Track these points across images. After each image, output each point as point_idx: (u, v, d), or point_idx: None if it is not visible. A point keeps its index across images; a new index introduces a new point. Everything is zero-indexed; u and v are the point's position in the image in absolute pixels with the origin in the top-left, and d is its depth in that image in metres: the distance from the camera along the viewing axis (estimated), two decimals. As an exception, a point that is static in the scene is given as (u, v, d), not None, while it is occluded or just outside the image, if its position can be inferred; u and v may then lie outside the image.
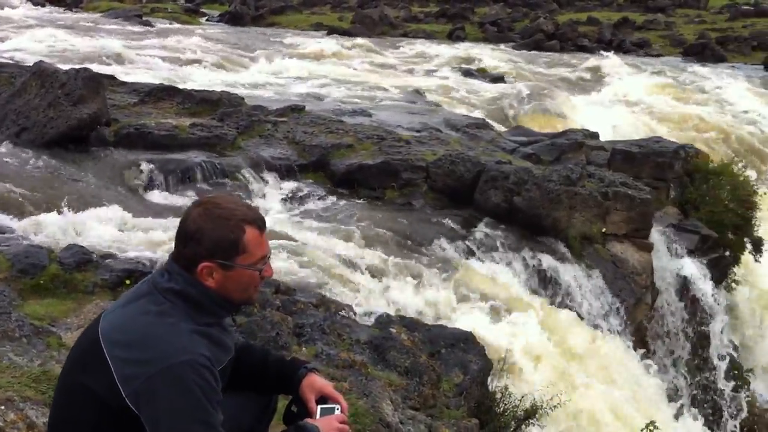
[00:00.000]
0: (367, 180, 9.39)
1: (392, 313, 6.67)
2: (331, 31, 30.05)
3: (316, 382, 3.10)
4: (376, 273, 7.35)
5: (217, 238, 2.77)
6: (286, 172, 9.21)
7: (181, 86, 12.39)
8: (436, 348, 6.09)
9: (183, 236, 2.81)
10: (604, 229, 9.54)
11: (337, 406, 3.06)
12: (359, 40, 25.34)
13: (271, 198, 8.67)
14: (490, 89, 16.79)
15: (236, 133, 9.79)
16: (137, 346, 2.64)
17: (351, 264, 7.34)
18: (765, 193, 14.07)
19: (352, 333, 5.92)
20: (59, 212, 7.00)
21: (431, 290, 7.40)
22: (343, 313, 6.30)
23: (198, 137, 9.44)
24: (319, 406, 3.03)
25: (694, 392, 10.33)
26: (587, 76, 21.71)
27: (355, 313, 6.44)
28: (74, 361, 2.80)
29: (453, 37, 30.11)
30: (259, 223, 2.86)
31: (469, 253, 8.37)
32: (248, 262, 2.83)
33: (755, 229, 12.44)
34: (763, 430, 11.76)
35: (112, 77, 12.30)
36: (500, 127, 13.94)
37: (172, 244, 2.89)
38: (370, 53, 21.58)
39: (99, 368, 2.64)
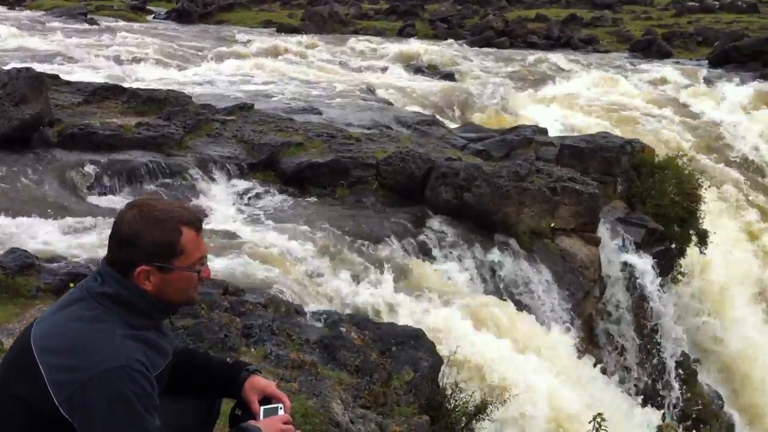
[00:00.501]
0: (317, 178, 9.36)
1: (343, 311, 6.65)
2: (281, 28, 29.87)
3: (259, 383, 3.07)
4: (326, 272, 7.32)
5: (154, 241, 2.72)
6: (235, 171, 9.12)
7: (126, 85, 12.20)
8: (386, 346, 6.09)
9: (118, 240, 2.75)
10: (552, 224, 9.64)
11: (281, 406, 3.04)
12: (309, 38, 25.25)
13: (219, 197, 8.58)
14: (440, 86, 16.83)
15: (183, 132, 9.67)
16: (69, 353, 2.58)
17: (301, 263, 7.31)
18: (710, 186, 14.38)
19: (302, 333, 5.89)
20: (0, 216, 6.84)
21: (382, 288, 7.39)
22: (293, 312, 6.27)
23: (144, 137, 9.30)
24: (263, 407, 3.02)
25: (642, 383, 10.49)
26: (537, 72, 21.90)
27: (305, 313, 6.41)
28: (5, 369, 2.73)
29: (403, 34, 30.15)
30: (196, 223, 2.82)
31: (420, 249, 8.39)
32: (186, 264, 2.78)
33: (700, 221, 12.67)
34: (710, 419, 12.00)
35: (55, 76, 12.06)
36: (450, 124, 13.99)
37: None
38: (320, 50, 21.50)
39: (31, 376, 2.58)
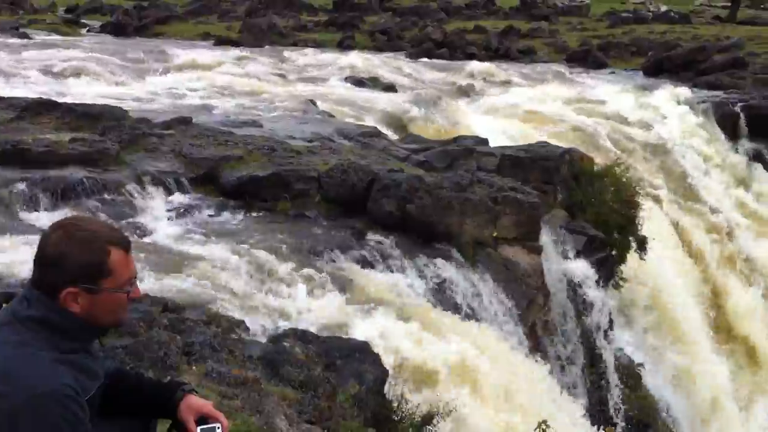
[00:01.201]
0: (258, 192, 9.25)
1: (286, 326, 6.58)
2: (219, 41, 29.60)
3: (195, 402, 3.01)
4: (269, 286, 7.23)
5: (81, 262, 2.65)
6: (173, 186, 8.96)
7: (60, 100, 11.92)
8: (331, 360, 6.05)
9: (43, 261, 2.67)
10: (495, 234, 9.70)
11: (218, 425, 3.00)
12: (248, 50, 25.08)
13: (157, 213, 8.41)
14: (381, 98, 16.84)
15: (119, 147, 9.47)
16: None
17: (243, 278, 7.20)
18: (647, 194, 14.66)
19: (245, 349, 5.81)
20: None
21: (325, 301, 7.33)
22: (235, 328, 6.17)
23: (79, 152, 9.08)
24: (199, 427, 2.97)
25: (587, 388, 10.59)
26: (476, 83, 22.09)
27: (247, 328, 6.31)
28: None
29: (343, 46, 30.15)
30: (124, 243, 2.76)
31: (364, 262, 8.34)
32: (115, 285, 2.72)
33: (639, 228, 12.89)
34: (655, 422, 12.19)
35: (-15, 93, 11.74)
36: (392, 136, 14.00)
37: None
38: (259, 63, 21.35)
39: None
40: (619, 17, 39.66)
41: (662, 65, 27.01)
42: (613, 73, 27.50)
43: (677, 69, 26.48)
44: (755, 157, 20.54)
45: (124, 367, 3.59)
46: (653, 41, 32.01)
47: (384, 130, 13.97)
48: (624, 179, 13.28)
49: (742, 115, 21.16)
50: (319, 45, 30.57)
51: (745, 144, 20.82)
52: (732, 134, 20.75)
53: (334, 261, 8.09)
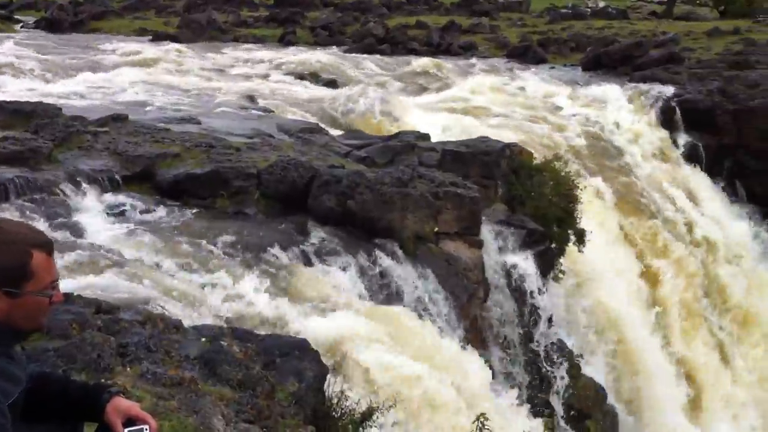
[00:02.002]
0: (196, 189, 9.14)
1: (224, 325, 6.51)
2: (157, 36, 29.10)
3: (122, 404, 2.97)
4: (207, 285, 7.14)
5: (2, 265, 2.58)
6: (108, 184, 8.78)
7: (-9, 98, 11.61)
8: (270, 358, 5.99)
9: None
10: (436, 229, 9.74)
11: (146, 427, 2.97)
12: (187, 46, 24.73)
13: (91, 212, 8.23)
14: (323, 93, 16.78)
15: (52, 145, 9.25)
16: None
17: (180, 277, 7.11)
18: (585, 187, 14.87)
19: (181, 349, 5.72)
20: None
21: (266, 299, 7.27)
22: (171, 328, 6.07)
23: (10, 151, 8.84)
24: (127, 429, 2.92)
25: (528, 379, 10.71)
26: (418, 78, 22.15)
27: (184, 328, 6.22)
28: None
29: (284, 42, 29.91)
30: (46, 246, 2.71)
31: (305, 259, 8.30)
32: (37, 289, 2.66)
33: (577, 221, 13.08)
34: (596, 412, 12.39)
35: None
36: (334, 131, 13.96)
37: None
38: (198, 59, 21.08)
39: None
40: (559, 13, 40.15)
41: (600, 60, 27.38)
42: (553, 68, 27.79)
43: (615, 64, 26.87)
44: (691, 150, 20.98)
45: (49, 371, 3.51)
46: (592, 37, 32.45)
47: (325, 126, 13.92)
48: (563, 173, 13.46)
49: (678, 110, 21.59)
50: (259, 40, 30.27)
51: (682, 137, 21.25)
52: (669, 128, 21.16)
53: (274, 258, 8.03)
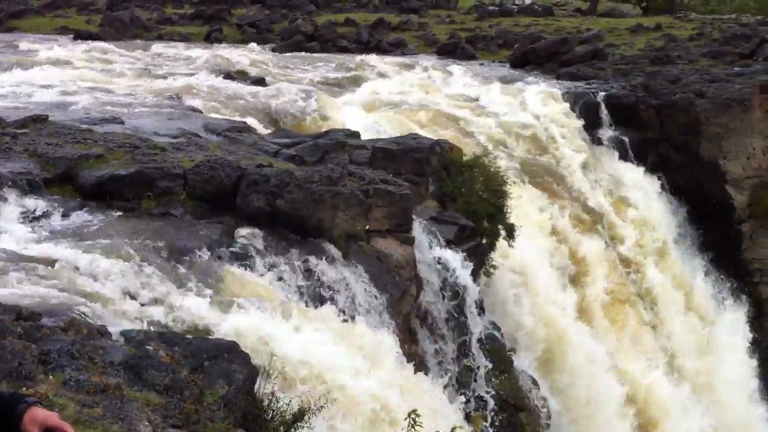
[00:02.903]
0: (120, 191, 8.92)
1: (150, 329, 6.37)
2: (78, 35, 28.40)
3: (39, 414, 2.89)
4: (132, 289, 6.98)
5: None
6: (27, 187, 8.49)
7: None
8: (198, 361, 5.90)
9: None
10: (367, 227, 9.72)
11: None
12: (110, 44, 24.19)
13: (10, 217, 7.96)
14: (251, 92, 16.57)
15: (-32, 148, 8.93)
16: None
17: (104, 281, 6.92)
18: (515, 183, 15.06)
19: (105, 355, 5.58)
20: None
21: (194, 301, 7.15)
22: (95, 334, 5.91)
23: None
24: None
25: (459, 374, 10.78)
26: (348, 76, 22.09)
27: (109, 334, 6.07)
28: None
29: (210, 39, 29.54)
30: None
31: (234, 259, 8.19)
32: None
33: (507, 216, 13.23)
34: (528, 405, 12.55)
35: None
36: (263, 130, 13.82)
37: None
38: (121, 58, 20.62)
39: None
40: (486, 10, 40.54)
41: (528, 57, 27.79)
42: (482, 65, 28.09)
43: (542, 60, 27.31)
44: (616, 144, 21.42)
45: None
46: (519, 34, 32.90)
47: (253, 124, 13.77)
48: (492, 169, 13.60)
49: (602, 105, 22.02)
50: (185, 38, 29.82)
51: (607, 132, 21.67)
52: (594, 123, 21.56)
53: (201, 259, 7.89)
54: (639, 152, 21.69)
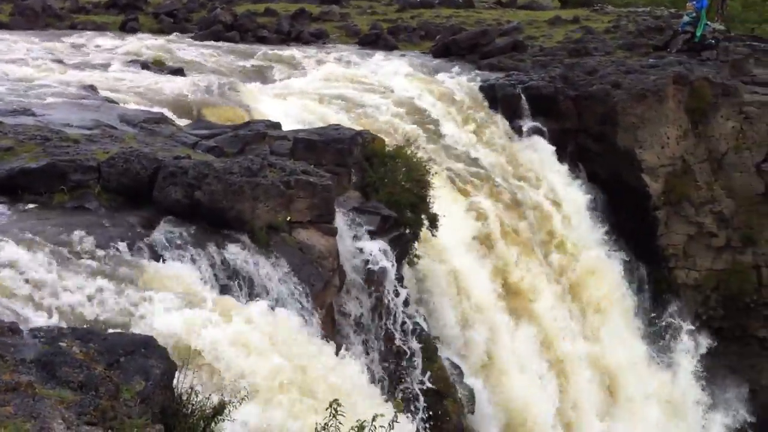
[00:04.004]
0: (31, 185, 8.66)
1: (64, 325, 6.19)
2: (-14, 24, 27.39)
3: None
4: (44, 285, 6.77)
5: None
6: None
7: None
8: (114, 357, 5.76)
9: None
10: (289, 218, 9.65)
11: None
12: (21, 34, 23.39)
13: None
14: (168, 82, 16.25)
15: None
16: None
17: (14, 277, 6.70)
18: (437, 173, 15.15)
19: (17, 352, 5.42)
20: None
21: (110, 296, 6.98)
22: (6, 331, 5.72)
23: None
24: None
25: (384, 364, 10.82)
26: (269, 66, 21.88)
27: (20, 331, 5.87)
28: None
29: (126, 29, 28.78)
30: None
31: (151, 253, 8.02)
32: None
33: (430, 206, 13.31)
34: (453, 391, 12.68)
35: None
36: (181, 121, 13.56)
37: None
38: (33, 47, 19.94)
39: None
40: (408, 2, 40.58)
41: (449, 49, 27.97)
42: (404, 56, 28.16)
43: (463, 52, 27.53)
44: (535, 135, 21.76)
45: None
46: (440, 25, 33.07)
47: (171, 115, 13.51)
48: (414, 159, 13.65)
49: (523, 96, 22.34)
50: (99, 28, 28.97)
51: (527, 123, 22.00)
52: (514, 114, 21.87)
53: (117, 253, 7.70)
54: (558, 142, 22.08)
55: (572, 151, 22.63)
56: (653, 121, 22.18)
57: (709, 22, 27.31)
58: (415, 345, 11.56)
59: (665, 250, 23.05)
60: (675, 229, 23.06)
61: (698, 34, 26.49)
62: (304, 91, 18.32)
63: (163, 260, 7.93)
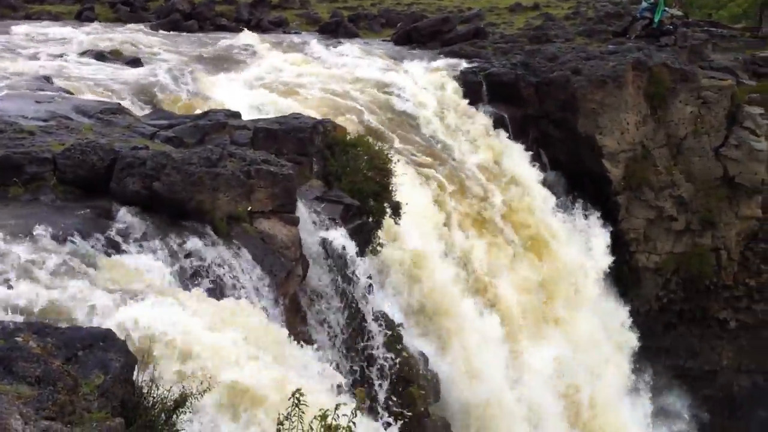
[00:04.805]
0: (-15, 178, 8.46)
1: (20, 319, 6.08)
2: (-64, 15, 26.78)
3: None
4: (-1, 278, 6.64)
5: None
6: None
7: None
8: (72, 351, 5.67)
9: None
10: (249, 208, 9.57)
11: None
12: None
13: None
14: (125, 72, 16.02)
15: None
16: None
17: (-31, 272, 6.56)
18: (399, 161, 15.14)
19: (-30, 349, 5.29)
20: None
21: (68, 290, 6.86)
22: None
23: None
24: None
25: (350, 352, 10.81)
26: (228, 55, 21.66)
27: (-26, 327, 5.75)
28: None
29: (82, 19, 28.32)
30: None
31: (110, 245, 7.91)
32: None
33: (393, 194, 13.30)
34: (418, 378, 12.71)
35: None
36: (139, 112, 13.38)
37: None
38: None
39: None
40: (368, -11, 40.49)
41: (411, 36, 27.97)
42: (367, 44, 28.09)
43: (425, 39, 27.55)
44: (496, 121, 21.82)
45: None
46: (401, 13, 33.07)
47: (129, 106, 13.32)
48: (376, 147, 13.62)
49: (484, 83, 22.39)
50: (55, 18, 28.50)
51: (488, 109, 22.05)
52: (475, 100, 21.91)
53: (75, 246, 7.58)
54: (519, 129, 22.18)
55: (534, 138, 22.75)
56: (613, 106, 22.37)
57: (667, 8, 27.60)
58: (379, 332, 11.55)
59: (626, 234, 23.30)
60: (635, 213, 23.33)
61: (656, 20, 26.78)
62: (264, 80, 18.16)
63: (122, 253, 7.82)
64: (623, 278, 23.27)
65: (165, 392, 5.74)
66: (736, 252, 24.09)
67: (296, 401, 5.35)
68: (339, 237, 11.13)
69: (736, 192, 23.56)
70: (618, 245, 22.97)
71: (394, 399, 11.43)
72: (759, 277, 24.24)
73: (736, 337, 24.60)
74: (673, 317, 24.45)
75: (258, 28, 28.76)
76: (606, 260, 21.43)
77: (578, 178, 22.81)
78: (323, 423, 5.41)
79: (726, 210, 23.72)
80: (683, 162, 23.46)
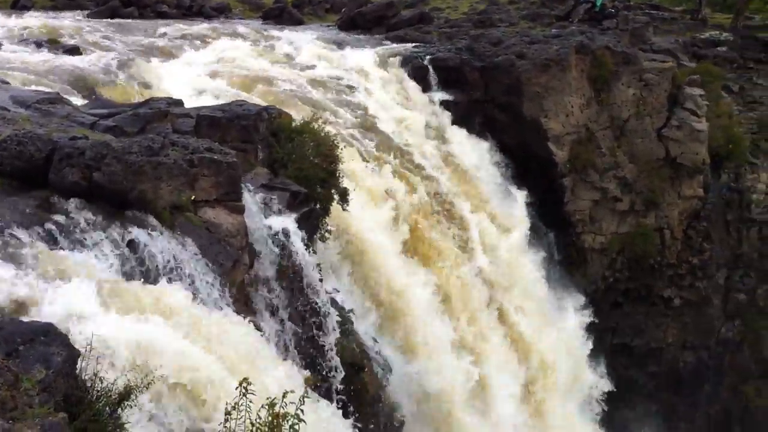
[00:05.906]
0: None
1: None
2: None
3: None
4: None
5: None
6: None
7: None
8: (12, 346, 5.55)
9: None
10: (193, 197, 9.44)
11: None
12: None
13: None
14: (63, 61, 15.65)
15: None
16: None
17: None
18: (345, 147, 15.08)
19: None
20: None
21: (6, 283, 6.69)
22: None
23: None
24: None
25: (299, 339, 10.75)
26: (170, 42, 21.29)
27: None
28: None
29: (18, 7, 27.68)
30: None
31: (49, 238, 7.71)
32: None
33: (340, 180, 13.24)
34: (366, 362, 12.73)
35: None
36: (78, 101, 13.09)
37: None
38: None
39: None
40: (313, -26, 40.20)
41: (355, 21, 27.87)
42: (311, 29, 27.90)
43: (369, 25, 27.47)
44: (443, 105, 21.87)
45: None
46: (346, -2, 32.87)
47: (68, 95, 13.01)
48: (322, 134, 13.52)
49: (430, 68, 22.39)
50: (-10, 7, 27.80)
51: (435, 95, 22.08)
52: (423, 86, 21.90)
53: (13, 239, 7.38)
54: (466, 113, 22.24)
55: (481, 122, 22.83)
56: (557, 90, 22.55)
57: (608, -8, 27.97)
58: (329, 319, 11.51)
59: (572, 216, 23.59)
60: (581, 195, 23.61)
61: (599, 3, 27.08)
62: (208, 67, 17.92)
63: (61, 245, 7.65)
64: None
65: (109, 386, 5.64)
66: (679, 231, 24.56)
67: (243, 391, 5.30)
68: (285, 224, 11.04)
69: (678, 172, 24.00)
70: (564, 227, 23.28)
71: (346, 386, 11.42)
72: (701, 255, 24.76)
73: (681, 315, 25.10)
74: (620, 296, 24.84)
75: (200, 15, 28.43)
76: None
77: (525, 162, 22.96)
78: (271, 411, 5.37)
79: (669, 190, 24.15)
80: (626, 143, 23.80)
